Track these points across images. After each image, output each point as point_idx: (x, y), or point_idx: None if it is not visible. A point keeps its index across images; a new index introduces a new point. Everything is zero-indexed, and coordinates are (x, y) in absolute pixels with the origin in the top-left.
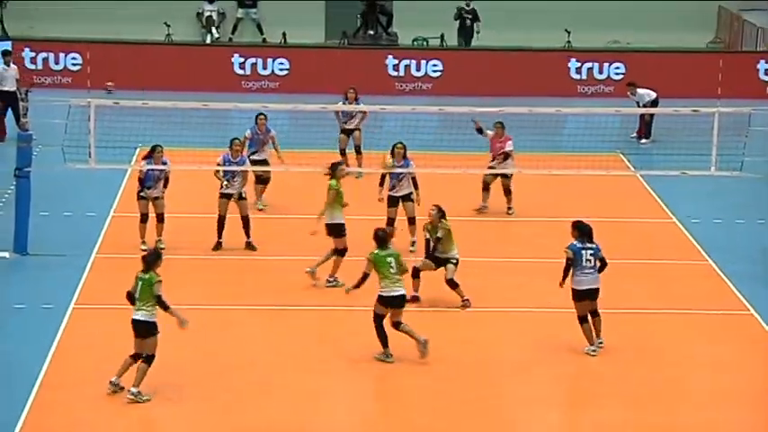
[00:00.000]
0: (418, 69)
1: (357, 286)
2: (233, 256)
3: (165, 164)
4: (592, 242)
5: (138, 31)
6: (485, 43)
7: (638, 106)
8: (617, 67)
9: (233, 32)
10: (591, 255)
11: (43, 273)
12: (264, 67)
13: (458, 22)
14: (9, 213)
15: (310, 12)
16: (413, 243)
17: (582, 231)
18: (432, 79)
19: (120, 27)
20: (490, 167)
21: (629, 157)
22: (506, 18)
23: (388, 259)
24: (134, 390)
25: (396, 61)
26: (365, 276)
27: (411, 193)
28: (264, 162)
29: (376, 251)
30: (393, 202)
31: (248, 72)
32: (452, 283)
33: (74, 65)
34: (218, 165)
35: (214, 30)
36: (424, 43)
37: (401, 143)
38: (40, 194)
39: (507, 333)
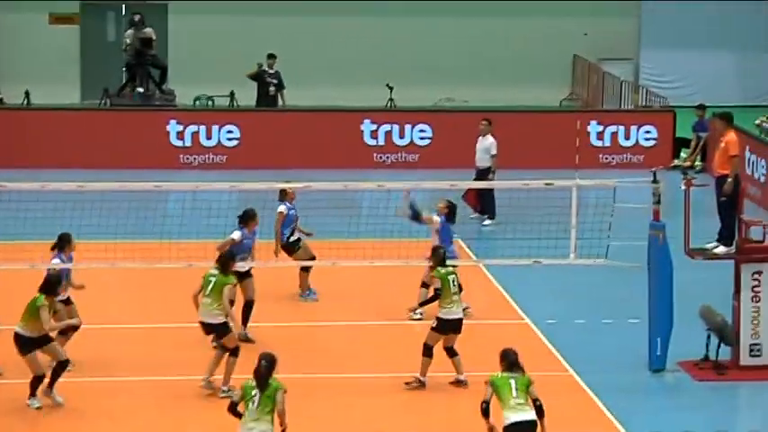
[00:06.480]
0: (209, 138)
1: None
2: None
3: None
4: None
5: None
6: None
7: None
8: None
9: None
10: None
11: None
12: None
13: (256, 84)
14: None
15: (60, 64)
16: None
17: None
18: (226, 150)
19: None
20: None
21: (468, 243)
22: (317, 72)
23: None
24: None
25: (180, 127)
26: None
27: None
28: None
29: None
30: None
31: None
32: None
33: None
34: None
35: None
36: (210, 103)
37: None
38: None
39: None
